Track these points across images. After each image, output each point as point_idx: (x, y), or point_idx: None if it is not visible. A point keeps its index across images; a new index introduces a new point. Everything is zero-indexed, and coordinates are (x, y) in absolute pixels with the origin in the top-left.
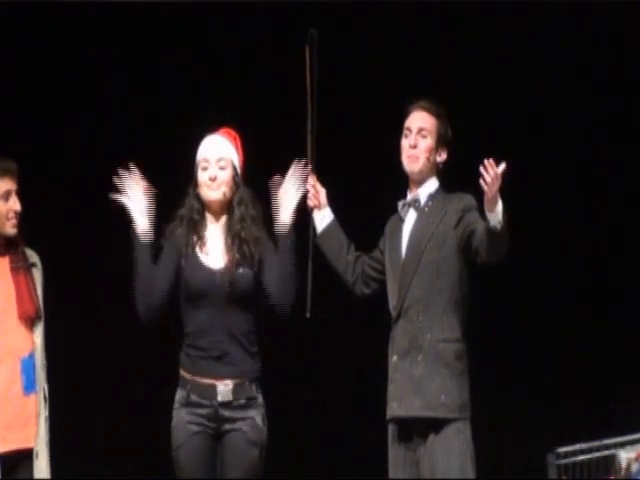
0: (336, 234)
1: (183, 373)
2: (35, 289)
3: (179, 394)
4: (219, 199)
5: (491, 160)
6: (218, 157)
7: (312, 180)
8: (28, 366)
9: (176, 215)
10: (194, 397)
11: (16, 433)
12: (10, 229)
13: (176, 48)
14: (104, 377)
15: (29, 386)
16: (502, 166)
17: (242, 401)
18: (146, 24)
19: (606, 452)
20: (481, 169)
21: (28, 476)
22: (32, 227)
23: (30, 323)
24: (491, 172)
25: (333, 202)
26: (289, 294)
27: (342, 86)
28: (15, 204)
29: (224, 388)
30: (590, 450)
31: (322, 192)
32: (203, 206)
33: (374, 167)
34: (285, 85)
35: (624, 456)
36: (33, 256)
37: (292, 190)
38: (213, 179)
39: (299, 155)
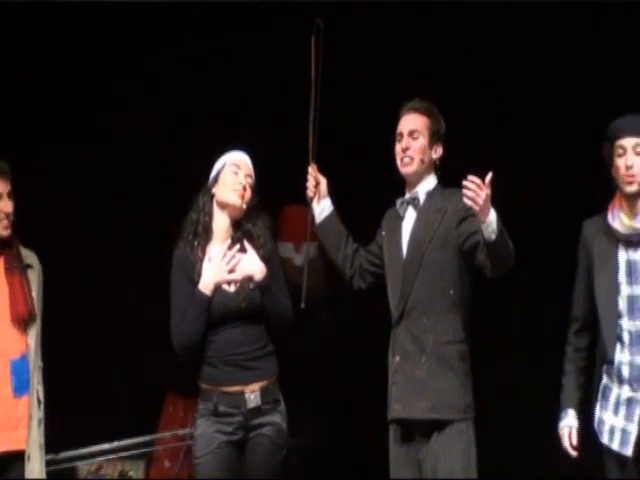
0: (335, 226)
1: (206, 386)
2: (30, 291)
3: (203, 406)
4: (239, 206)
5: (471, 176)
6: (247, 171)
7: (313, 170)
8: (19, 368)
9: (184, 228)
10: (222, 407)
11: (6, 435)
12: (2, 230)
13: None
14: (101, 377)
15: (20, 388)
16: (489, 176)
17: (268, 406)
18: (131, 26)
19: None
20: (464, 185)
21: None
22: (31, 228)
23: (23, 325)
24: (471, 186)
25: (332, 192)
26: (286, 310)
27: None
28: (5, 205)
29: (252, 394)
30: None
31: (323, 182)
32: (211, 214)
33: (375, 159)
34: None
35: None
36: (29, 257)
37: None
38: (245, 187)
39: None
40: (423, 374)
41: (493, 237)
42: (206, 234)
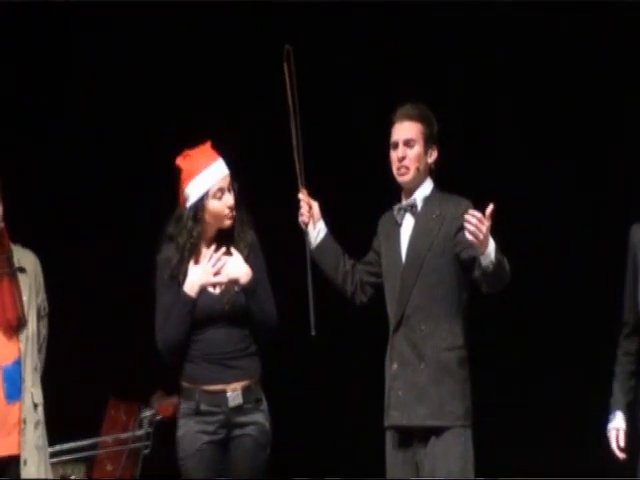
0: (332, 246)
1: (188, 385)
2: (20, 296)
3: (185, 405)
4: (231, 224)
5: (472, 211)
6: (227, 183)
7: (304, 195)
8: (11, 374)
9: (169, 236)
10: (204, 406)
11: (0, 440)
12: None
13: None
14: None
15: (12, 394)
16: (489, 208)
17: (250, 405)
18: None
19: None
20: (465, 219)
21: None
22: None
23: (13, 331)
24: (473, 221)
25: (324, 211)
26: (270, 313)
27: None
28: None
29: (233, 393)
30: None
31: (315, 205)
32: (203, 230)
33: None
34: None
35: None
36: (24, 259)
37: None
38: (233, 208)
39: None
40: (422, 381)
41: (491, 267)
42: (193, 252)
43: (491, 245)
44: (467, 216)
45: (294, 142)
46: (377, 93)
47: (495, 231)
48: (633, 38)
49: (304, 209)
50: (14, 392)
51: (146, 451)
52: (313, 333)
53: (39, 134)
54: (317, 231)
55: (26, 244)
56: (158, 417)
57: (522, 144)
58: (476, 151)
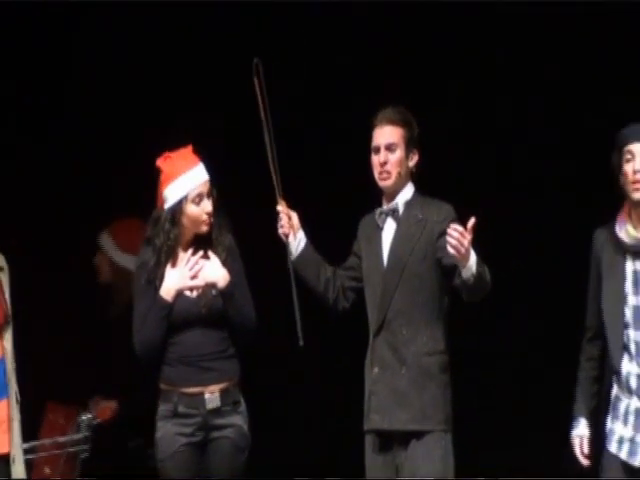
0: (312, 255)
1: (166, 387)
2: (3, 294)
3: (163, 407)
4: (208, 229)
5: (454, 225)
6: (207, 189)
7: (283, 207)
8: None
9: (146, 239)
10: (182, 408)
11: None
12: None
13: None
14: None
15: (0, 392)
16: (471, 221)
17: (228, 407)
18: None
19: None
20: (447, 233)
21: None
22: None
23: (1, 329)
24: (455, 234)
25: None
26: (249, 316)
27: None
28: None
29: (211, 396)
30: None
31: (294, 216)
32: (180, 234)
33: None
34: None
35: None
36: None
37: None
38: (211, 214)
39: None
40: (403, 385)
41: (472, 280)
42: (170, 255)
43: (472, 258)
44: (449, 230)
45: (269, 155)
46: (377, 93)
47: (495, 231)
48: (633, 38)
49: (284, 220)
50: (1, 390)
51: (83, 455)
52: (301, 344)
53: (39, 134)
54: (298, 241)
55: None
56: (96, 421)
57: (522, 144)
58: (476, 151)
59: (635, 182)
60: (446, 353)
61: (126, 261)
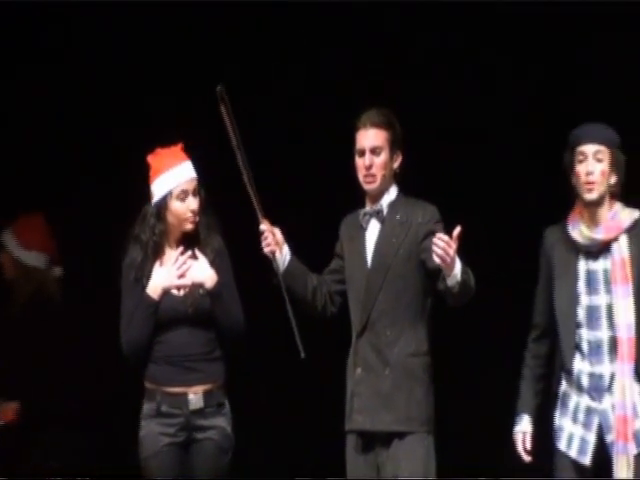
0: (298, 268)
1: (150, 385)
2: None
3: (147, 406)
4: (194, 228)
5: (440, 234)
6: (193, 187)
7: (266, 225)
8: None
9: (134, 237)
10: (165, 408)
11: None
12: None
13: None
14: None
15: None
16: (457, 230)
17: (212, 409)
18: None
19: None
20: (433, 243)
21: None
22: None
23: None
24: (441, 244)
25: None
26: (237, 317)
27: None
28: None
29: (194, 396)
30: None
31: (277, 232)
32: (166, 230)
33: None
34: None
35: None
36: None
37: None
38: (196, 212)
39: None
40: (387, 386)
41: (457, 288)
42: (157, 252)
43: (457, 266)
44: (435, 239)
45: (245, 179)
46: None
47: (495, 231)
48: (633, 38)
49: (269, 239)
50: None
51: None
52: (303, 356)
53: (39, 134)
54: (284, 256)
55: None
56: None
57: (522, 144)
58: (475, 151)
59: (587, 183)
60: (429, 354)
61: (29, 258)
